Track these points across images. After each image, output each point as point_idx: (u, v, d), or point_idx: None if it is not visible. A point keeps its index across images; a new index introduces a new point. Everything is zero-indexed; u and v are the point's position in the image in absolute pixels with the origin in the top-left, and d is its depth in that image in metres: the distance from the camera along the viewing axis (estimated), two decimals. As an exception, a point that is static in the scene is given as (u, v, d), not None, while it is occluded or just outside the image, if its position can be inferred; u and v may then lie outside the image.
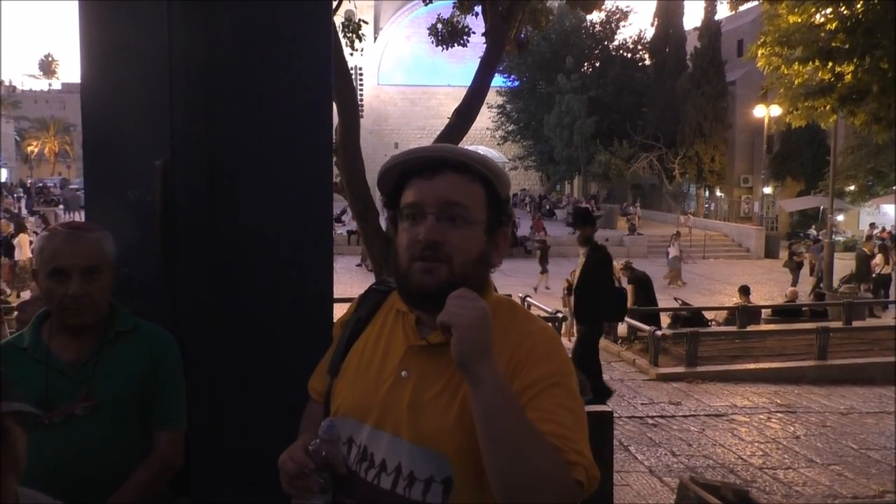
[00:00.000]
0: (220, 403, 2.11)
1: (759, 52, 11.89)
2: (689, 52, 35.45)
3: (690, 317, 12.05)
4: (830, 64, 10.85)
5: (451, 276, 1.24)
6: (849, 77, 10.96)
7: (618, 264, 12.60)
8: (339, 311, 1.91)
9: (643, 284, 11.92)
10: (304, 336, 2.15)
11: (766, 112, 25.01)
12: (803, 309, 13.63)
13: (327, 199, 2.25)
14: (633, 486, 5.32)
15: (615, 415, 4.49)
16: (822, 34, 11.01)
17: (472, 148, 1.40)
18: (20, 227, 17.58)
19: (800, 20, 11.23)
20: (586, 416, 1.24)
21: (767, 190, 31.94)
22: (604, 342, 11.19)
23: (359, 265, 21.06)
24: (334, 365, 1.39)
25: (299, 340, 2.14)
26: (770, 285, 19.96)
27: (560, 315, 10.83)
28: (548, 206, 36.08)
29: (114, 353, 1.79)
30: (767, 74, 13.70)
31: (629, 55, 39.22)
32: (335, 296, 2.26)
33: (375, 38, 45.84)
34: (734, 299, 14.38)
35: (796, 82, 12.16)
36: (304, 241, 2.17)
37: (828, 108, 11.90)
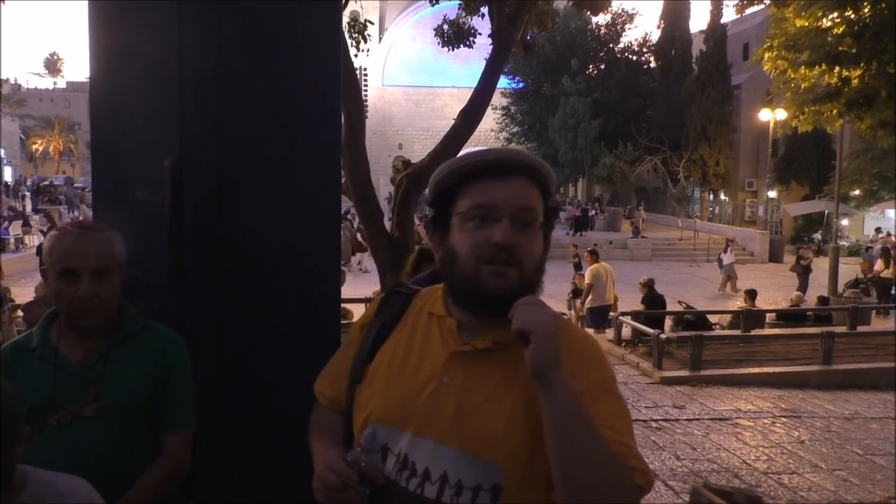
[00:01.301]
0: (226, 404, 2.10)
1: (766, 55, 11.88)
2: (694, 56, 35.40)
3: (694, 320, 12.02)
4: (837, 68, 10.84)
5: (521, 281, 1.23)
6: (856, 81, 10.94)
7: (642, 279, 12.61)
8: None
9: (654, 305, 11.93)
10: (311, 337, 2.14)
11: (771, 116, 24.97)
12: (808, 313, 13.58)
13: (335, 200, 2.25)
14: (637, 490, 5.30)
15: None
16: (830, 38, 11.00)
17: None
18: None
19: (807, 24, 11.21)
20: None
21: (772, 194, 31.88)
22: (607, 345, 11.19)
23: (345, 264, 20.50)
24: (358, 370, 1.35)
25: (306, 341, 2.14)
26: (774, 289, 19.91)
27: (565, 317, 10.81)
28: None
29: (123, 355, 1.77)
30: (773, 78, 13.68)
31: (634, 58, 39.17)
32: (338, 297, 2.26)
33: (380, 39, 45.88)
34: (738, 303, 14.35)
35: (803, 86, 12.15)
36: (312, 242, 2.17)
37: (834, 112, 11.88)
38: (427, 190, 1.37)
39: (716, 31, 33.75)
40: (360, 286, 14.97)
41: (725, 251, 20.90)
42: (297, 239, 2.15)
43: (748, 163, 34.50)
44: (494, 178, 1.26)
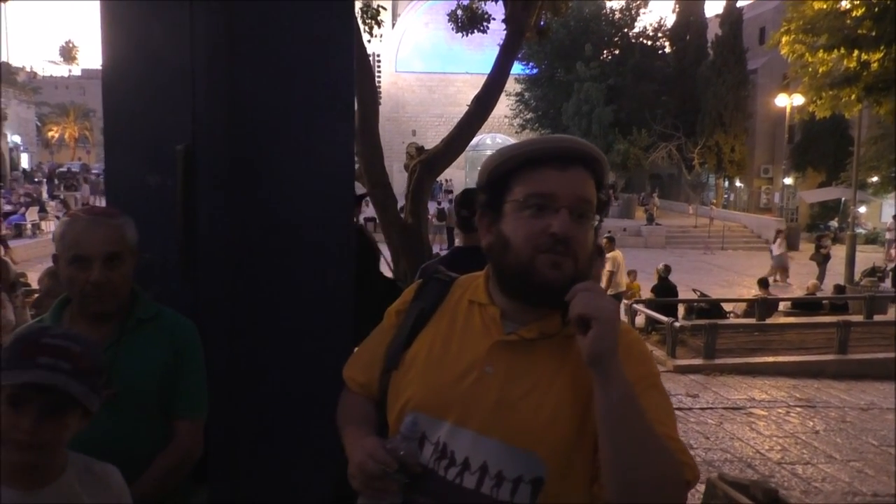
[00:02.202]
0: (238, 390, 2.10)
1: (783, 39, 11.71)
2: (709, 40, 34.99)
3: (709, 308, 11.94)
4: (856, 52, 10.68)
5: (575, 272, 1.20)
6: (875, 65, 10.78)
7: (659, 266, 12.52)
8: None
9: (663, 293, 11.85)
10: (324, 323, 2.14)
11: (788, 101, 24.63)
12: (823, 302, 13.47)
13: (348, 187, 2.24)
14: (650, 478, 5.29)
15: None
16: (849, 21, 10.83)
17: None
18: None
19: (825, 7, 11.04)
20: None
21: (788, 181, 31.55)
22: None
23: None
24: (394, 357, 1.32)
25: (319, 328, 2.13)
26: (790, 277, 19.75)
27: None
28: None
29: (135, 341, 1.77)
30: (791, 63, 13.51)
31: (649, 43, 38.76)
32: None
33: (394, 25, 45.65)
34: (753, 291, 14.24)
35: (820, 70, 11.98)
36: (325, 228, 2.15)
37: (853, 97, 11.72)
38: (479, 175, 1.34)
39: (732, 14, 33.31)
40: (372, 273, 14.98)
41: (774, 241, 20.58)
42: (311, 225, 2.14)
43: (764, 149, 34.14)
44: (553, 166, 1.23)
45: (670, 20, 38.21)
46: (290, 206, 2.12)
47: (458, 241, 3.50)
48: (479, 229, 1.32)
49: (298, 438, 2.14)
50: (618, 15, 38.42)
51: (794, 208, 32.00)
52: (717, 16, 34.86)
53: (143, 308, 1.82)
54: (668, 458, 1.10)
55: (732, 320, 12.01)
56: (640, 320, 11.10)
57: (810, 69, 12.26)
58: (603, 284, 12.01)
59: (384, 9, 10.61)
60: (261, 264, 2.10)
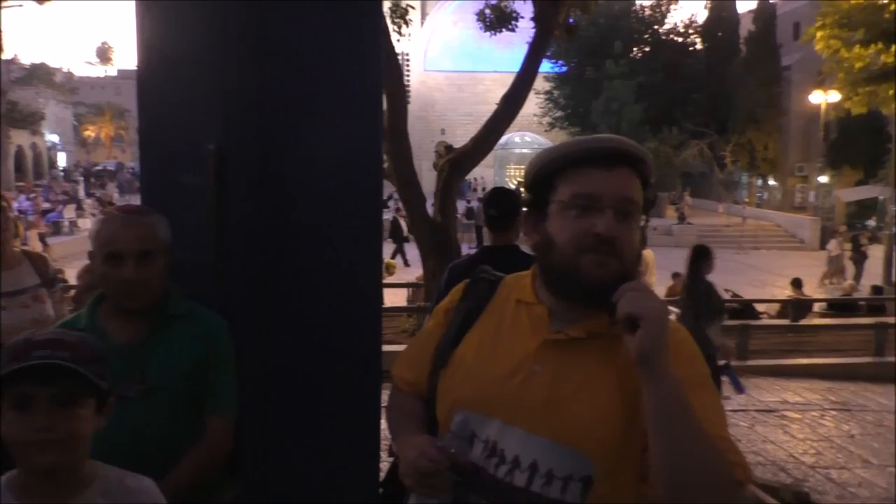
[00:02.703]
0: (269, 386, 2.12)
1: (818, 34, 11.49)
2: (742, 36, 34.46)
3: (741, 309, 11.77)
4: (894, 47, 10.42)
5: (621, 272, 1.20)
6: (914, 61, 10.52)
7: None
8: (388, 295, 1.92)
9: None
10: (354, 319, 2.15)
11: (823, 98, 24.19)
12: (860, 303, 13.19)
13: (377, 185, 2.25)
14: (680, 479, 5.23)
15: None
16: (887, 15, 10.58)
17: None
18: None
19: (862, 0, 10.81)
20: None
21: (823, 179, 30.94)
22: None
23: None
24: (443, 355, 1.35)
25: (349, 326, 2.14)
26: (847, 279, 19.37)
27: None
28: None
29: (167, 337, 1.80)
30: (826, 58, 13.25)
31: (680, 40, 38.31)
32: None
33: (422, 24, 45.73)
34: (786, 291, 14.00)
35: (857, 66, 11.74)
36: (355, 227, 2.17)
37: (890, 93, 11.46)
38: (524, 175, 1.35)
39: (765, 10, 32.78)
40: (400, 270, 15.05)
41: (831, 242, 20.15)
42: (340, 223, 2.15)
43: (798, 147, 33.52)
44: (598, 166, 1.23)
45: (701, 16, 37.74)
46: (319, 204, 2.13)
47: (486, 240, 3.49)
48: (524, 229, 1.34)
49: (329, 434, 2.15)
50: (648, 12, 38.05)
51: (830, 207, 31.38)
52: (749, 11, 34.33)
53: (175, 305, 1.85)
54: (718, 458, 1.10)
55: (765, 321, 11.82)
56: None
57: (846, 65, 12.02)
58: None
59: (412, 8, 10.63)
60: (291, 262, 2.12)
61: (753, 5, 33.91)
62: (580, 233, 1.21)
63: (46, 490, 1.28)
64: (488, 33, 11.11)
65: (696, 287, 6.27)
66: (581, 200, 1.22)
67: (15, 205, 18.30)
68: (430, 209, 9.27)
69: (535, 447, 1.20)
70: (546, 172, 1.29)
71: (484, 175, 37.17)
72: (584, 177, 1.23)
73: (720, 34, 35.92)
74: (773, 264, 22.58)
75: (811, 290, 15.22)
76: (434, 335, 1.40)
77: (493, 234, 3.26)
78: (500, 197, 3.31)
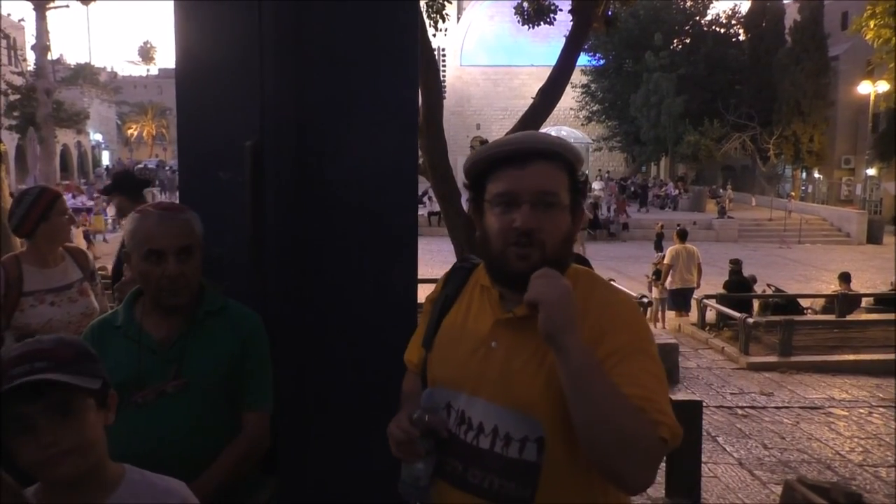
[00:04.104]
0: (307, 382, 2.14)
1: (870, 23, 11.15)
2: (787, 27, 33.60)
3: (784, 304, 11.50)
4: (948, 35, 10.06)
5: (543, 259, 1.34)
6: (969, 49, 10.13)
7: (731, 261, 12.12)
8: (423, 290, 1.92)
9: (737, 289, 11.45)
10: (389, 315, 2.16)
11: (872, 88, 23.52)
12: (910, 298, 12.77)
13: (413, 181, 2.24)
14: (721, 478, 5.14)
15: (703, 404, 4.34)
16: (940, 2, 10.21)
17: (555, 129, 1.42)
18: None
19: (914, -12, 10.45)
20: (667, 380, 1.35)
21: (871, 171, 30.06)
22: (690, 329, 10.86)
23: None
24: (428, 339, 1.52)
25: (385, 319, 2.15)
26: (872, 272, 18.85)
27: (645, 300, 10.55)
28: (632, 189, 35.13)
29: (203, 333, 1.81)
30: (876, 48, 12.86)
31: (722, 31, 37.55)
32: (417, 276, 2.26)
33: (458, 19, 45.64)
34: (832, 286, 13.65)
35: (908, 56, 11.35)
36: (390, 222, 2.17)
37: (943, 82, 11.06)
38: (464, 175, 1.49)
39: (811, -1, 31.91)
40: (436, 266, 15.08)
41: None
42: (375, 219, 2.15)
43: (845, 139, 32.59)
44: (515, 165, 1.37)
45: (745, 7, 36.93)
46: (355, 200, 2.14)
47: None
48: (474, 223, 1.48)
49: (367, 428, 2.16)
50: (689, 3, 37.39)
51: (878, 200, 30.47)
52: (795, 1, 33.43)
53: (211, 301, 1.86)
54: (634, 419, 1.21)
55: (810, 316, 11.53)
56: (710, 315, 10.79)
57: (896, 54, 11.65)
58: (667, 279, 11.73)
59: (449, 2, 10.61)
60: (327, 257, 2.13)
61: (799, -6, 33.04)
62: (504, 227, 1.36)
63: (72, 498, 1.26)
64: (525, 27, 11.03)
65: None
66: (502, 198, 1.37)
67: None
68: (465, 204, 9.25)
69: (494, 414, 1.36)
70: (475, 173, 1.44)
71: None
72: (504, 176, 1.38)
73: (764, 24, 35.07)
74: (818, 259, 22.03)
75: (859, 285, 14.80)
76: (424, 322, 1.58)
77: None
78: None
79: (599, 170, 42.76)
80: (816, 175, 34.38)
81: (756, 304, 11.75)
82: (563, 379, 1.24)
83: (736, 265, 12.07)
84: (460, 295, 1.51)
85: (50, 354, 1.23)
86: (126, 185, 3.87)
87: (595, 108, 40.31)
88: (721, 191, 32.19)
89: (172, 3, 2.15)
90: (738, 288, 11.64)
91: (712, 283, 13.05)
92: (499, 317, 1.41)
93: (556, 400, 1.27)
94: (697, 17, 37.50)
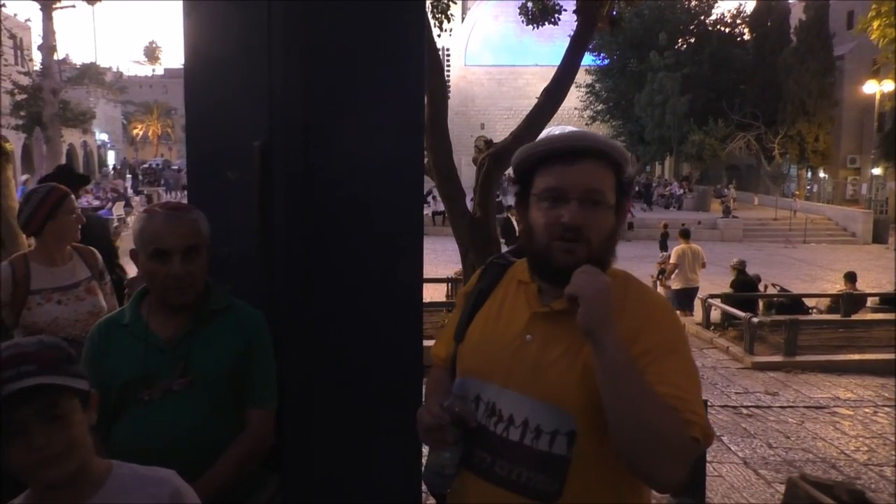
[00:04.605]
0: (313, 380, 2.15)
1: (875, 23, 11.12)
2: (792, 26, 33.50)
3: (789, 304, 11.48)
4: (954, 34, 10.03)
5: (588, 255, 1.37)
6: (975, 48, 10.10)
7: (733, 261, 12.12)
8: (428, 290, 1.94)
9: (742, 289, 11.43)
10: (396, 316, 2.17)
11: (877, 88, 23.45)
12: (915, 298, 12.73)
13: (419, 180, 2.26)
14: (726, 477, 5.15)
15: (707, 403, 4.34)
16: (946, 2, 10.18)
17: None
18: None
19: (920, -13, 10.42)
20: (700, 380, 1.36)
21: (877, 171, 29.96)
22: (695, 328, 10.85)
23: None
24: (460, 331, 1.54)
25: (391, 320, 2.16)
26: (877, 272, 18.79)
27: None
28: (637, 188, 35.04)
29: (209, 332, 1.83)
30: (882, 48, 12.82)
31: (727, 30, 37.45)
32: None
33: (463, 19, 45.62)
34: (837, 286, 13.61)
35: (914, 55, 11.32)
36: (396, 222, 2.18)
37: (949, 82, 11.03)
38: (510, 169, 1.51)
39: (817, -2, 31.80)
40: (440, 266, 15.09)
41: None
42: (382, 219, 2.16)
43: (851, 138, 32.49)
44: (565, 161, 1.40)
45: (749, 6, 36.82)
46: (362, 199, 2.15)
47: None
48: (517, 218, 1.51)
49: (372, 429, 2.17)
50: (694, 2, 37.30)
51: (884, 200, 30.37)
52: (800, 0, 33.33)
53: (216, 300, 1.87)
54: (668, 418, 1.22)
55: (815, 316, 11.51)
56: (715, 315, 10.78)
57: (902, 53, 11.61)
58: (671, 279, 11.72)
59: (454, 2, 10.62)
60: (334, 257, 2.14)
61: (804, -6, 32.92)
62: (551, 222, 1.38)
63: (59, 499, 1.27)
64: (529, 27, 11.03)
65: None
66: (550, 193, 1.39)
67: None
68: (469, 204, 9.26)
69: (525, 406, 1.37)
70: (524, 168, 1.47)
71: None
72: (553, 172, 1.40)
73: (769, 24, 34.97)
74: (823, 258, 21.98)
75: (864, 285, 14.76)
76: (457, 315, 1.60)
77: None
78: None
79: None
80: (822, 174, 34.28)
81: (761, 303, 11.73)
82: (598, 374, 1.25)
83: (740, 266, 12.05)
84: (495, 289, 1.54)
85: (35, 358, 1.23)
86: (65, 180, 3.84)
87: (599, 108, 40.25)
88: (725, 190, 32.09)
89: (180, 2, 2.17)
90: (745, 287, 11.63)
91: (717, 282, 13.04)
92: (536, 310, 1.43)
93: (591, 394, 1.28)
94: (702, 17, 37.40)
